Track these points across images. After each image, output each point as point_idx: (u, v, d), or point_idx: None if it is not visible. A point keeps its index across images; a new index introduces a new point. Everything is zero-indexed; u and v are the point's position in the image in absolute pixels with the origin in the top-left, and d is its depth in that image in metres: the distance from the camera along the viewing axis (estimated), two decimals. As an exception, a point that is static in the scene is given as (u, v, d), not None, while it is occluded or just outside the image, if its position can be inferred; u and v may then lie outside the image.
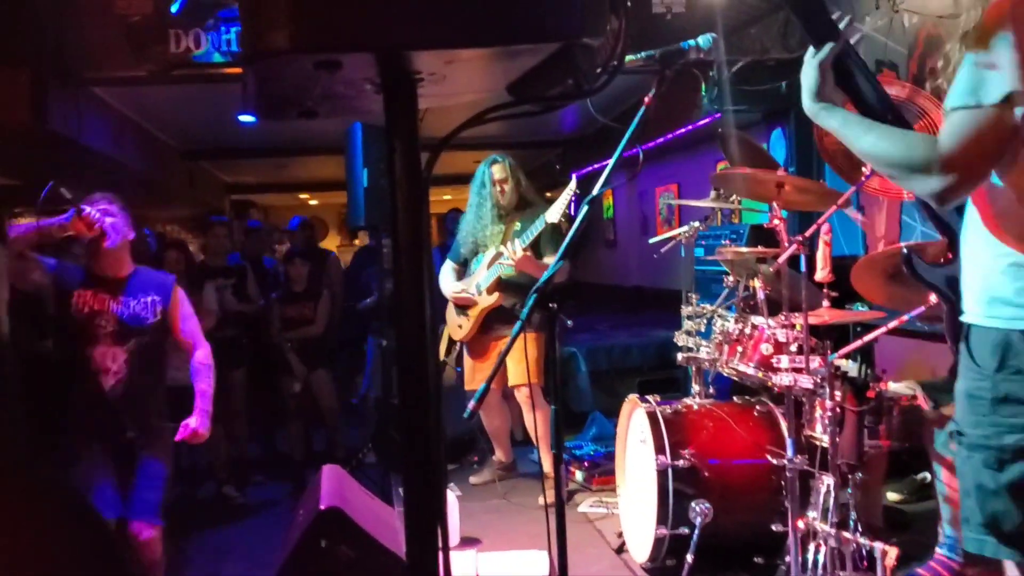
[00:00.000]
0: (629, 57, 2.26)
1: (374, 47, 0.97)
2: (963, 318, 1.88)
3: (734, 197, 4.91)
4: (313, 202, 17.63)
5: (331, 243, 17.77)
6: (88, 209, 3.43)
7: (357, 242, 13.80)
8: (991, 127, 1.65)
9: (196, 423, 3.59)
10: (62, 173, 8.30)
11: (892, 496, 4.49)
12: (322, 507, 3.13)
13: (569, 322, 4.11)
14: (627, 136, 2.09)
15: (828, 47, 1.97)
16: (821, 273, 3.41)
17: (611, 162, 2.13)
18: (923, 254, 3.05)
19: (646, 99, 2.21)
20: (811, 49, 2.00)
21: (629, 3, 1.25)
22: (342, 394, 6.74)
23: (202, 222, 6.54)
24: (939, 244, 3.24)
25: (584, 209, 2.19)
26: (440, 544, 1.18)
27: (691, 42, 2.22)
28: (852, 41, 2.06)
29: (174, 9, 5.09)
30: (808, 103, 2.00)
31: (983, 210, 1.81)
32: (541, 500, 4.86)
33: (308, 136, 9.67)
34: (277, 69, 1.00)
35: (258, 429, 6.90)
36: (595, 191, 2.17)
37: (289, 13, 0.92)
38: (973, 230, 1.86)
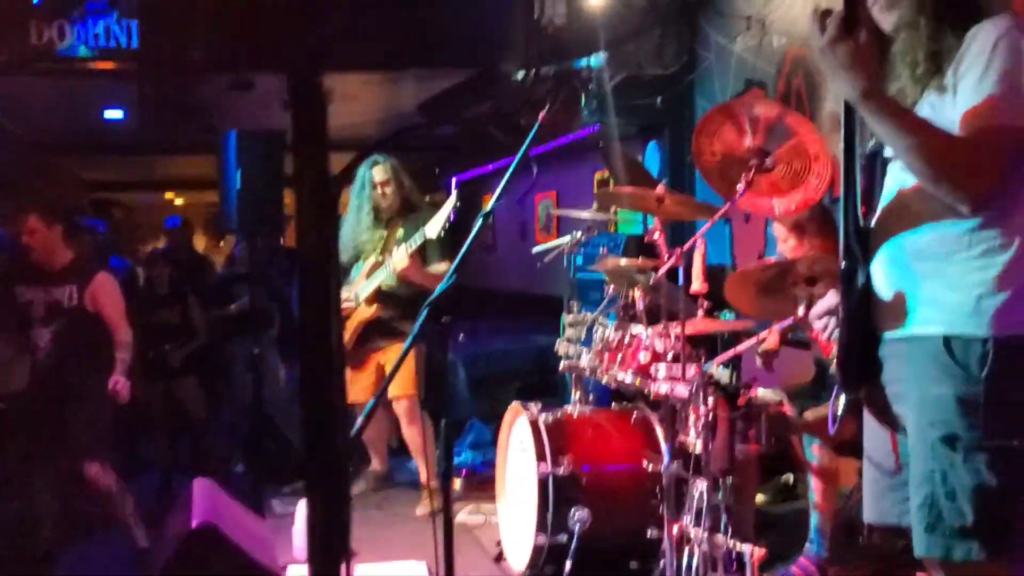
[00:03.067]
0: (523, 74, 2.30)
1: (291, 68, 0.95)
2: (926, 330, 1.91)
3: (612, 208, 5.03)
4: (179, 201, 17.03)
5: (196, 244, 17.20)
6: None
7: (223, 244, 13.40)
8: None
9: (119, 383, 4.29)
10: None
11: (758, 498, 4.68)
12: (194, 524, 3.02)
13: (461, 336, 4.11)
14: (522, 151, 2.12)
15: (857, 11, 1.87)
16: (697, 284, 3.54)
17: (506, 178, 2.15)
18: (794, 269, 3.22)
19: (541, 115, 2.24)
20: (836, 21, 1.86)
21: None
22: (209, 402, 6.52)
23: (64, 220, 6.19)
24: (810, 258, 3.42)
25: (478, 223, 2.20)
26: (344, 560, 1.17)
27: (584, 61, 2.27)
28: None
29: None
30: (862, 86, 1.87)
31: (960, 217, 1.87)
32: (418, 510, 4.85)
33: (175, 134, 9.33)
34: (186, 86, 0.97)
35: (119, 436, 6.60)
36: (489, 206, 2.19)
37: (206, 30, 0.90)
38: (935, 242, 1.91)
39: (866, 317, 2.01)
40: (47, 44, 5.59)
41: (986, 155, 1.82)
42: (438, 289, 2.14)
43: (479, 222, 2.19)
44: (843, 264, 2.00)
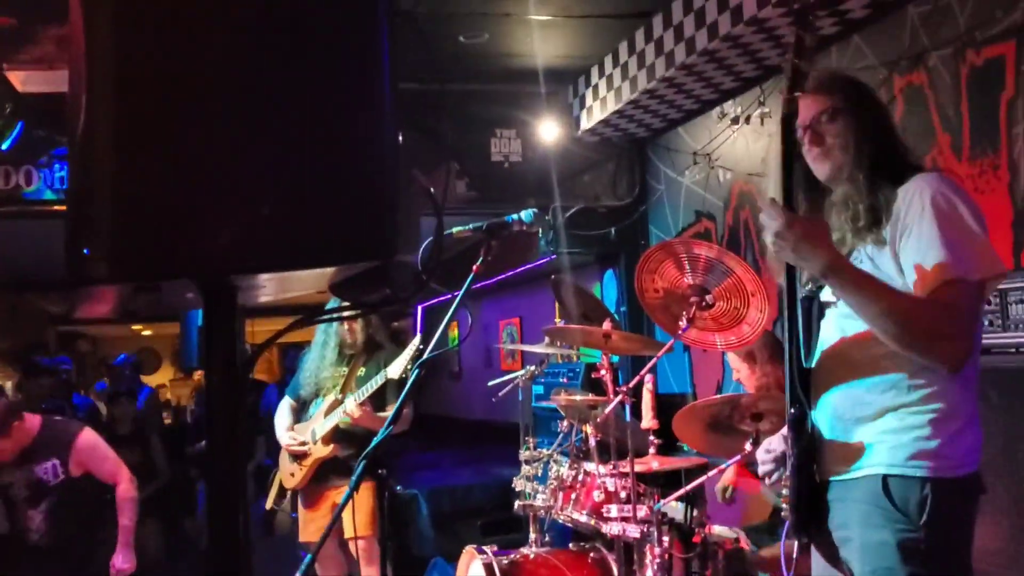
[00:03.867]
0: (458, 228, 2.39)
1: (191, 274, 1.01)
2: (867, 472, 1.94)
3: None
4: (147, 332, 16.96)
5: (164, 375, 17.06)
6: None
7: (194, 377, 13.32)
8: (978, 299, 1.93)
9: (120, 560, 4.05)
10: None
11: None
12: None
13: (399, 487, 4.08)
14: (455, 305, 2.19)
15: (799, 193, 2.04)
16: (647, 421, 3.57)
17: (439, 329, 2.21)
18: (739, 404, 3.27)
19: (475, 267, 2.32)
20: (777, 208, 1.95)
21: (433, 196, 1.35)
22: (171, 542, 6.38)
23: (23, 360, 6.20)
24: (755, 395, 3.48)
25: (414, 374, 2.25)
26: None
27: (514, 216, 2.37)
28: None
29: (4, 146, 4.95)
30: (827, 261, 1.92)
31: (906, 367, 1.93)
32: (380, 655, 4.70)
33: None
34: (98, 289, 1.02)
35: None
36: (423, 357, 2.24)
37: (107, 246, 0.96)
38: (875, 386, 1.96)
39: (813, 461, 2.04)
40: (13, 189, 5.71)
41: (953, 315, 1.88)
42: (374, 441, 2.15)
43: (415, 373, 2.23)
44: (792, 411, 2.03)
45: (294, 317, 1.29)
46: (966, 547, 1.91)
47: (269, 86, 1.06)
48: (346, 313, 1.18)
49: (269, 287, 1.20)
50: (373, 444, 2.15)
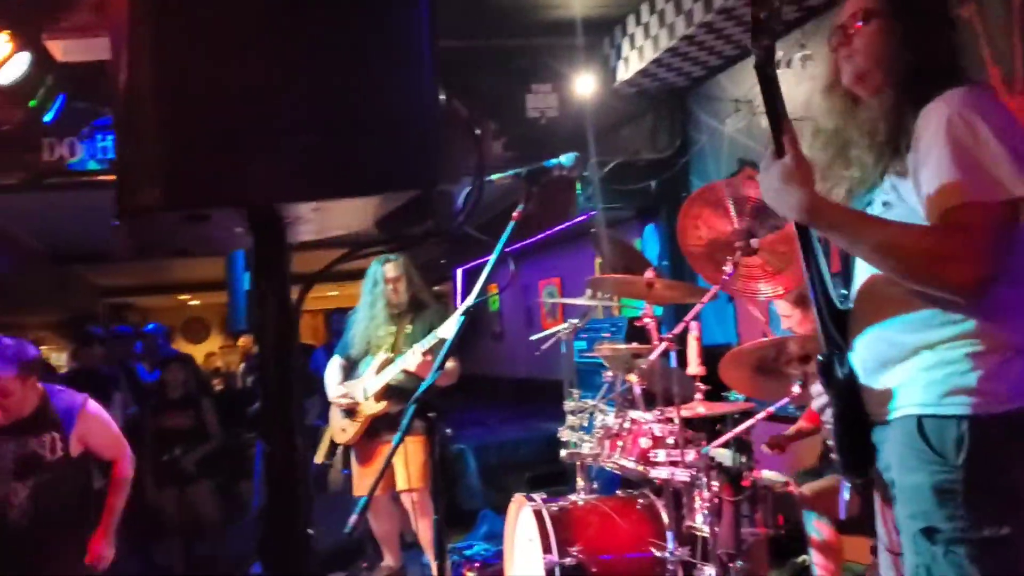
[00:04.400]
0: (497, 176, 2.39)
1: (241, 202, 1.02)
2: (904, 412, 1.86)
3: (604, 295, 5.08)
4: (194, 302, 17.23)
5: (213, 344, 17.35)
6: None
7: (240, 343, 13.53)
8: (998, 223, 1.75)
9: (101, 545, 3.69)
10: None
11: (774, 580, 4.61)
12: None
13: (448, 430, 4.12)
14: (496, 252, 2.19)
15: (788, 140, 1.85)
16: (693, 367, 3.57)
17: (482, 277, 2.21)
18: (786, 348, 3.25)
19: (515, 214, 2.31)
20: (768, 154, 1.89)
21: (477, 131, 1.35)
22: (224, 504, 6.52)
23: (75, 330, 6.34)
24: (801, 336, 3.45)
25: (460, 320, 2.26)
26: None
27: (555, 161, 2.35)
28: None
29: (48, 118, 5.02)
30: (806, 203, 1.84)
31: (940, 301, 1.81)
32: (433, 605, 4.79)
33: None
34: (148, 220, 1.04)
35: (133, 544, 6.58)
36: (468, 302, 2.25)
37: (161, 173, 0.97)
38: (907, 325, 1.86)
39: (855, 404, 1.97)
40: (58, 160, 5.81)
41: (965, 237, 1.74)
42: (423, 385, 2.18)
43: (460, 320, 2.24)
44: (819, 358, 1.98)
45: (329, 283, 1.29)
46: (1014, 490, 1.77)
47: (314, 21, 1.07)
48: (391, 245, 1.19)
49: (315, 222, 1.21)
50: (422, 388, 2.18)
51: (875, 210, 1.95)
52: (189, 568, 5.95)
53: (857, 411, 1.96)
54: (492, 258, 2.21)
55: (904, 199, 1.89)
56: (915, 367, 1.86)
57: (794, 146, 1.84)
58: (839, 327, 1.98)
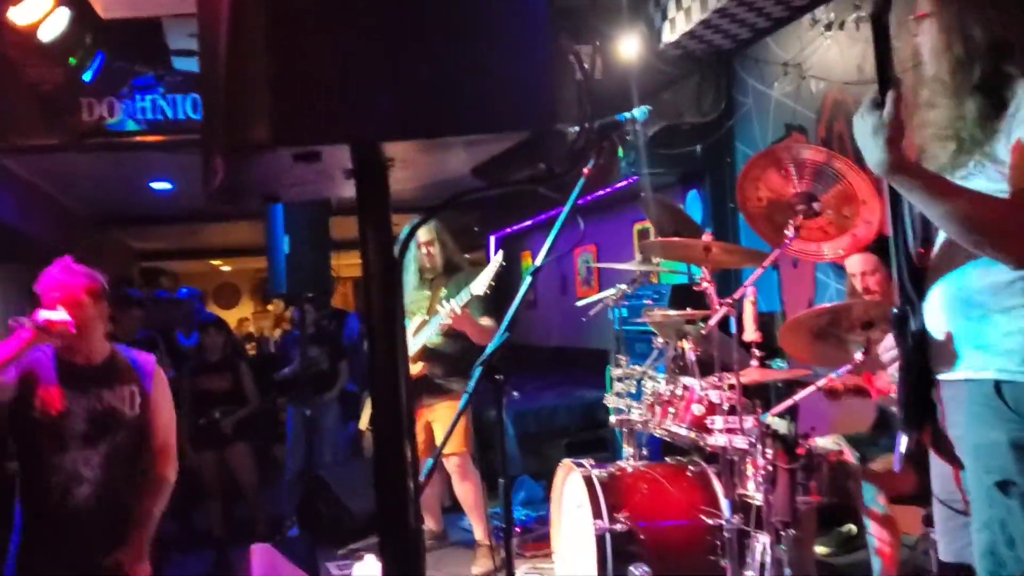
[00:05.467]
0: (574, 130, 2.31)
1: (352, 139, 0.97)
2: (980, 375, 1.87)
3: (655, 259, 5.01)
4: (226, 268, 17.32)
5: (245, 310, 17.46)
6: (33, 319, 2.89)
7: (271, 308, 13.58)
8: None
9: (127, 557, 3.01)
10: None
11: (820, 550, 4.56)
12: (254, 590, 3.01)
13: (515, 393, 4.08)
14: (569, 205, 2.13)
15: (891, 98, 1.84)
16: (750, 333, 3.50)
17: (552, 233, 2.15)
18: (849, 314, 3.17)
19: (585, 169, 2.25)
20: (867, 101, 1.87)
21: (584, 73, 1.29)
22: (263, 467, 6.55)
23: (113, 293, 6.34)
24: (865, 302, 3.36)
25: (527, 280, 2.20)
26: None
27: (627, 114, 2.28)
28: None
29: (87, 78, 4.99)
30: (884, 161, 1.85)
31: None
32: (474, 569, 4.79)
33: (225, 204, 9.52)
34: (251, 161, 0.99)
35: (174, 506, 6.64)
36: (538, 262, 2.19)
37: (270, 107, 0.92)
38: (986, 288, 1.87)
39: (923, 359, 1.97)
40: (98, 120, 5.79)
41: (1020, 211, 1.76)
42: (489, 348, 2.13)
43: (528, 279, 2.19)
44: (895, 310, 1.98)
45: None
46: None
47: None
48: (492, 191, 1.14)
49: (420, 167, 1.15)
50: (488, 351, 2.13)
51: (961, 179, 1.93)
52: (227, 530, 5.99)
53: (924, 366, 1.97)
54: (562, 214, 2.15)
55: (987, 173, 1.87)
56: (992, 331, 1.86)
57: (895, 103, 1.82)
58: (915, 283, 1.98)
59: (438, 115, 1.00)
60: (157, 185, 8.49)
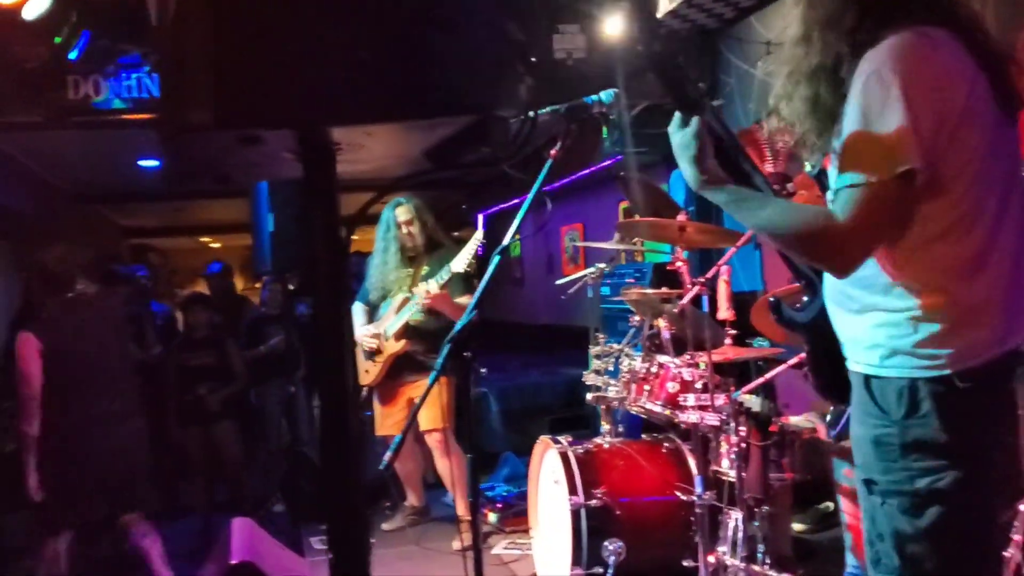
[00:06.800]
0: (532, 114, 2.33)
1: (294, 124, 0.99)
2: (855, 367, 1.87)
3: (636, 239, 5.04)
4: (215, 245, 17.27)
5: (236, 286, 17.40)
6: None
7: (259, 285, 13.55)
8: (886, 201, 1.65)
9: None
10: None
11: (797, 527, 4.62)
12: (233, 561, 3.06)
13: (483, 370, 4.12)
14: (535, 189, 2.15)
15: (695, 120, 1.86)
16: (723, 312, 3.54)
17: (519, 215, 2.18)
18: (786, 300, 3.21)
19: (552, 152, 2.27)
20: (675, 121, 1.90)
21: (532, 59, 1.31)
22: (246, 443, 6.59)
23: (100, 270, 6.34)
24: (795, 288, 3.41)
25: (495, 259, 2.23)
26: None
27: (594, 97, 2.30)
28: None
29: (72, 56, 4.97)
30: (692, 176, 1.87)
31: (881, 263, 1.78)
32: (456, 544, 4.85)
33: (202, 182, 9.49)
34: (197, 143, 1.01)
35: (158, 480, 6.69)
36: (505, 241, 2.22)
37: (212, 90, 0.94)
38: (857, 282, 1.82)
39: (825, 342, 1.97)
40: (83, 99, 5.76)
41: (837, 227, 1.68)
42: (458, 325, 2.16)
43: (496, 258, 2.22)
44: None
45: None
46: (948, 447, 1.73)
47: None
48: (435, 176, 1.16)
49: (368, 150, 1.18)
50: (457, 328, 2.16)
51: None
52: (212, 506, 6.04)
53: (828, 348, 1.97)
54: (528, 197, 2.18)
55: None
56: (865, 324, 1.83)
57: (697, 124, 1.84)
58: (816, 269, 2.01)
59: (379, 101, 1.02)
60: (145, 163, 8.46)
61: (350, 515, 1.13)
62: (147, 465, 4.38)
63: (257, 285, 13.07)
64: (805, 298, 2.04)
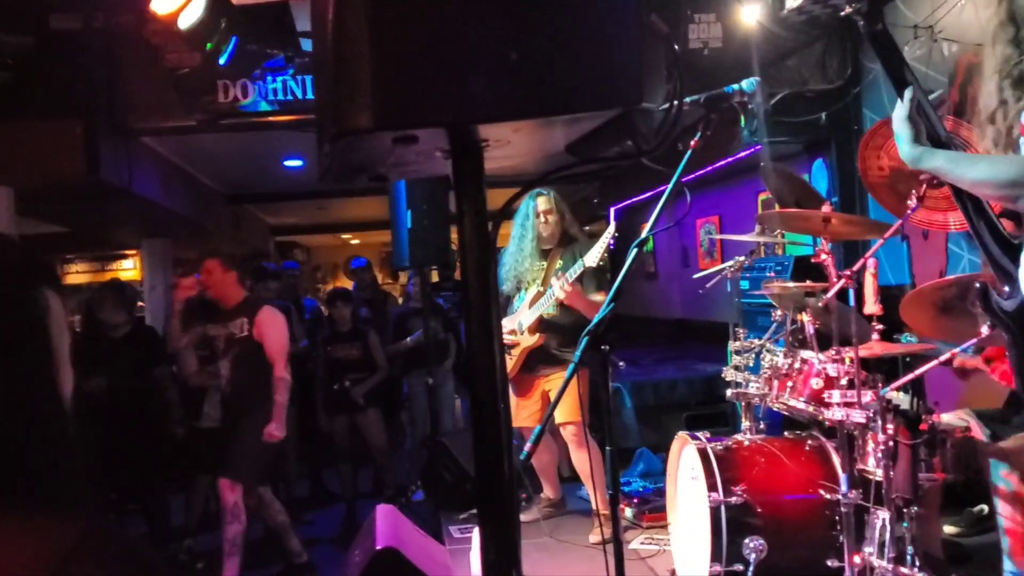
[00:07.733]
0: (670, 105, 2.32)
1: (448, 123, 1.03)
2: None
3: (777, 231, 4.91)
4: (355, 242, 17.84)
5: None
6: None
7: (391, 281, 13.93)
8: None
9: (273, 428, 4.67)
10: (112, 221, 8.56)
11: (950, 529, 4.43)
12: (378, 547, 3.16)
13: (621, 363, 4.11)
14: (674, 180, 2.14)
15: (908, 94, 2.05)
16: (870, 306, 3.41)
17: (658, 206, 2.17)
18: (974, 285, 3.05)
19: (692, 143, 2.25)
20: (899, 104, 2.06)
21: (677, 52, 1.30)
22: (390, 433, 6.80)
23: (250, 266, 6.67)
24: (944, 282, 3.25)
25: (632, 252, 2.23)
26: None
27: (735, 86, 2.27)
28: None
29: (222, 61, 5.23)
30: (907, 151, 2.04)
31: None
32: (591, 538, 4.86)
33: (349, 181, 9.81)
34: (356, 144, 1.06)
35: (306, 467, 6.99)
36: (643, 234, 2.21)
37: (371, 94, 0.98)
38: None
39: None
40: (232, 102, 6.06)
41: None
42: (595, 318, 2.17)
43: (633, 251, 2.21)
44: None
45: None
46: None
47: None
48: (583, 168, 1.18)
49: (513, 145, 1.20)
50: (595, 321, 2.17)
51: None
52: (356, 492, 6.27)
53: None
54: (667, 189, 2.16)
55: None
56: None
57: (910, 102, 2.04)
58: (1010, 254, 1.97)
59: (526, 97, 1.04)
60: (289, 163, 8.83)
61: (500, 504, 1.16)
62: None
63: (390, 281, 13.44)
64: (1007, 288, 1.97)
